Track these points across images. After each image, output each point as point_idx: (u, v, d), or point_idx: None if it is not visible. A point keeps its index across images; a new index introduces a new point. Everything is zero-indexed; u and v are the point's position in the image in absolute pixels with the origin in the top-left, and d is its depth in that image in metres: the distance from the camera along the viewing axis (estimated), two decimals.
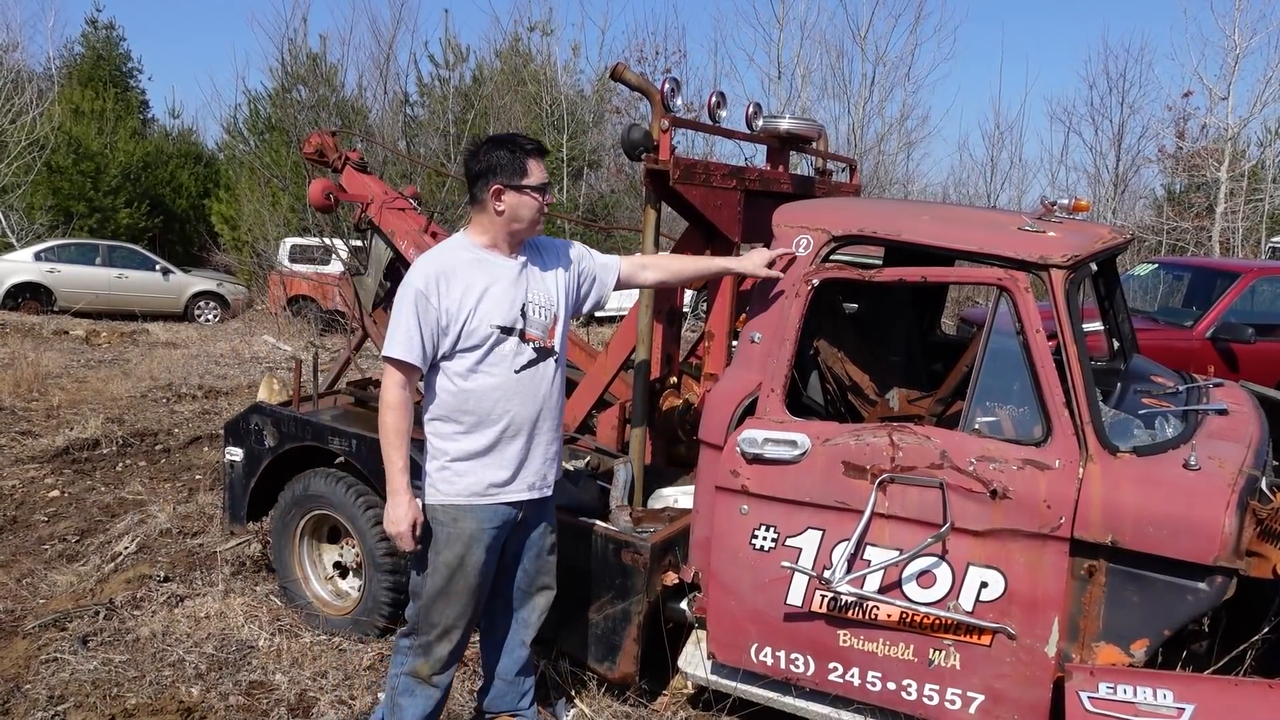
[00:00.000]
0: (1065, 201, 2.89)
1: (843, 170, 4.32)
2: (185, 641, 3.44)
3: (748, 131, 3.38)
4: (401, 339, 2.39)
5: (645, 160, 2.83)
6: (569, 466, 3.62)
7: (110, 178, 20.48)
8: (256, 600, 3.78)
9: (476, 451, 2.47)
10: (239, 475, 3.87)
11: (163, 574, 4.04)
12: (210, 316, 15.44)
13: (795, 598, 2.58)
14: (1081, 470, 2.29)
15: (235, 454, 3.87)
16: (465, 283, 2.41)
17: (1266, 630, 2.29)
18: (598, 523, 2.98)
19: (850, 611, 2.51)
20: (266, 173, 16.02)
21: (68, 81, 23.24)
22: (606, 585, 2.94)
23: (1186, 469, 2.26)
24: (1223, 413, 2.71)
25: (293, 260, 14.53)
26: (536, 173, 2.45)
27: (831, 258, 2.71)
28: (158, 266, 15.39)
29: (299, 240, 14.82)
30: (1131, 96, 18.08)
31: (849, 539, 2.47)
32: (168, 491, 5.39)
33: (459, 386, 2.44)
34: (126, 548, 4.35)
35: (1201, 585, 2.17)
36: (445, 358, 2.44)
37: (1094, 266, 2.61)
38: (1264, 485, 2.27)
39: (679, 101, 2.84)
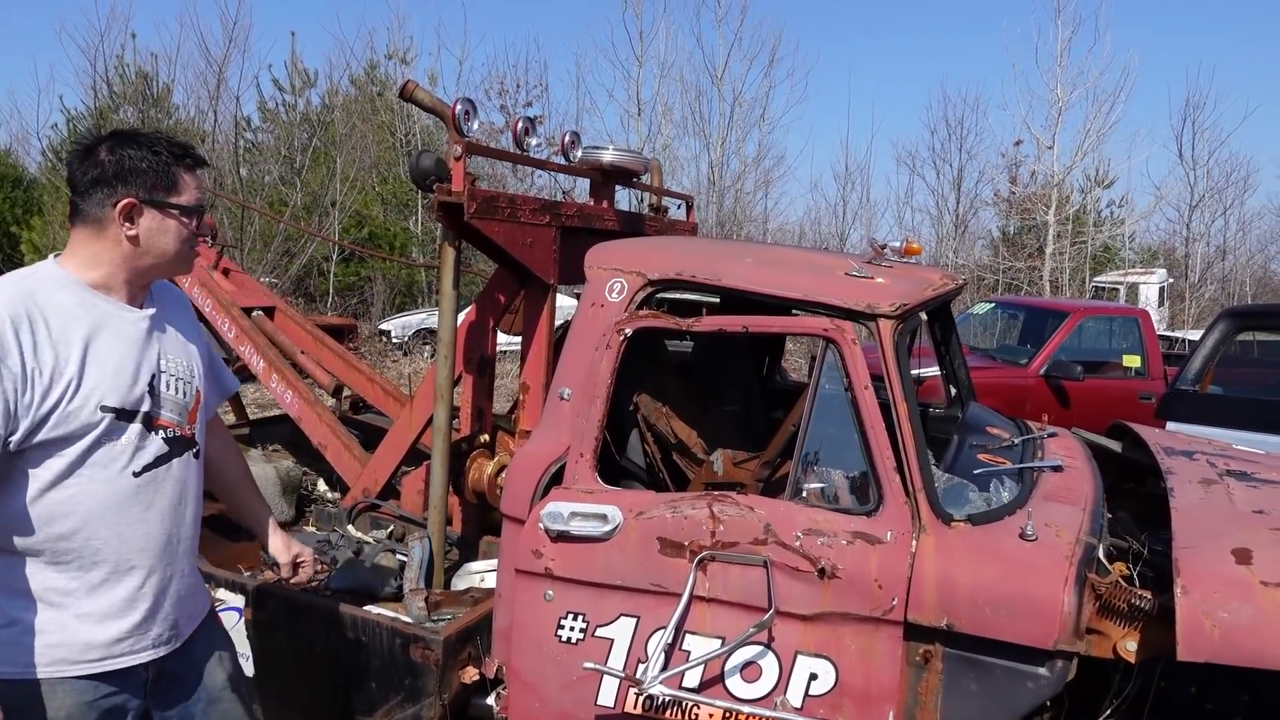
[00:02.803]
0: (896, 244, 2.71)
1: (679, 207, 4.09)
2: None
3: (564, 162, 3.07)
4: None
5: (437, 191, 2.47)
6: (365, 537, 3.17)
7: None
8: None
9: (62, 594, 1.65)
10: None
11: None
12: None
13: (606, 698, 2.23)
14: (914, 544, 2.05)
15: None
16: (61, 337, 1.61)
17: (1108, 712, 2.10)
18: (382, 611, 2.55)
19: (668, 712, 2.17)
20: None
21: None
22: (395, 686, 2.50)
23: (1023, 539, 2.06)
24: (1058, 469, 2.56)
25: None
26: (191, 188, 1.74)
27: (653, 302, 2.42)
28: None
29: None
30: (969, 143, 19.22)
31: (666, 627, 2.14)
32: None
33: (42, 498, 1.62)
34: None
35: (1042, 670, 1.96)
36: (16, 452, 1.59)
37: (924, 316, 2.42)
38: (1101, 554, 2.10)
39: (474, 125, 2.49)
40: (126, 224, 1.68)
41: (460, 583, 2.83)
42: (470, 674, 2.49)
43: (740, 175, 19.56)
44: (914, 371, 3.65)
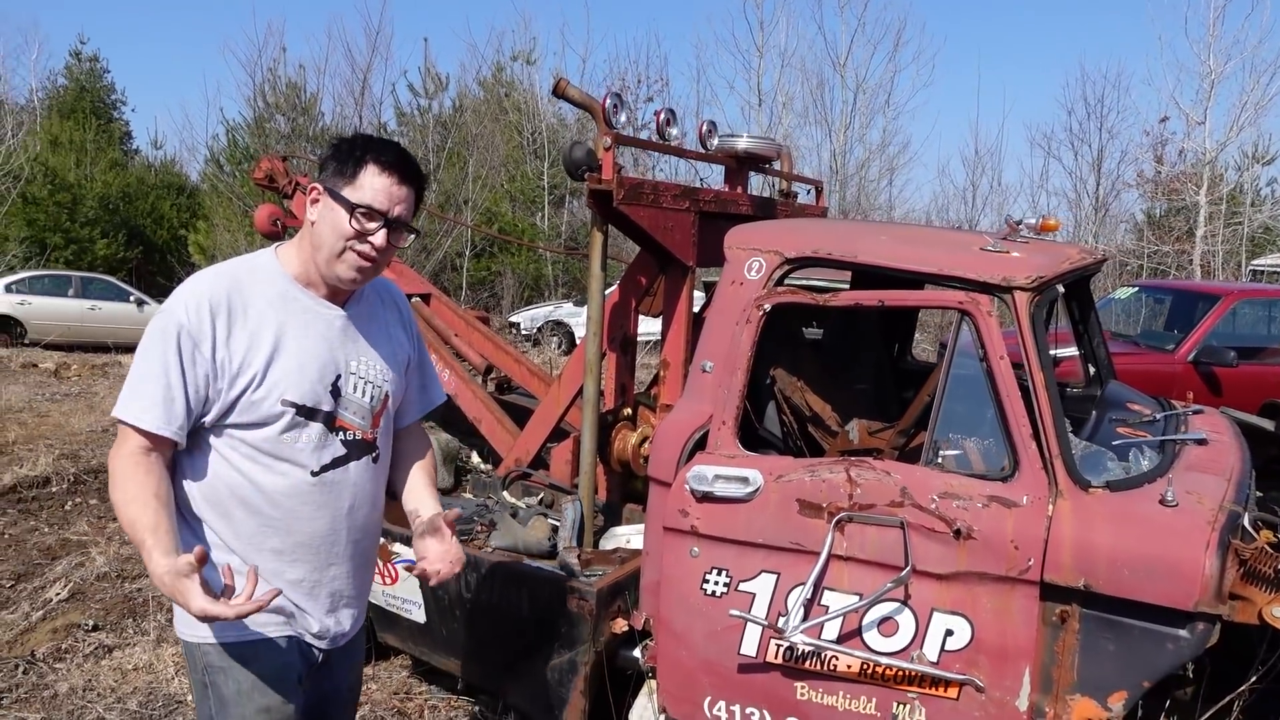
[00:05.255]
0: (1033, 221, 2.75)
1: (809, 192, 4.18)
2: (108, 696, 3.21)
3: (702, 150, 3.23)
4: (146, 395, 1.59)
5: (588, 180, 2.68)
6: (518, 503, 3.43)
7: (87, 208, 20.31)
8: None
9: (244, 561, 1.68)
10: None
11: (92, 622, 3.81)
12: None
13: (749, 647, 2.39)
14: (1051, 507, 2.12)
15: None
16: (256, 328, 1.64)
17: (1253, 679, 2.10)
18: (542, 565, 2.79)
19: (807, 662, 2.32)
20: (243, 203, 15.87)
21: (49, 113, 23.14)
22: (552, 633, 2.74)
23: (1163, 505, 2.09)
24: (1202, 442, 2.54)
25: None
26: (372, 189, 1.64)
27: (787, 281, 2.55)
28: (132, 298, 15.16)
29: None
30: (1110, 122, 18.23)
31: (805, 583, 2.29)
32: (114, 532, 5.15)
33: (226, 474, 1.68)
34: (58, 594, 4.12)
35: (1182, 633, 1.99)
36: (212, 429, 1.66)
37: (1061, 288, 2.46)
38: (1246, 522, 2.10)
39: (623, 118, 2.69)
40: (310, 209, 1.69)
41: (608, 544, 3.05)
42: (620, 625, 2.71)
43: (864, 163, 19.26)
44: (1052, 353, 3.64)
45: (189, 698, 3.21)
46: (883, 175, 19.88)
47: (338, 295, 1.75)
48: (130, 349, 14.14)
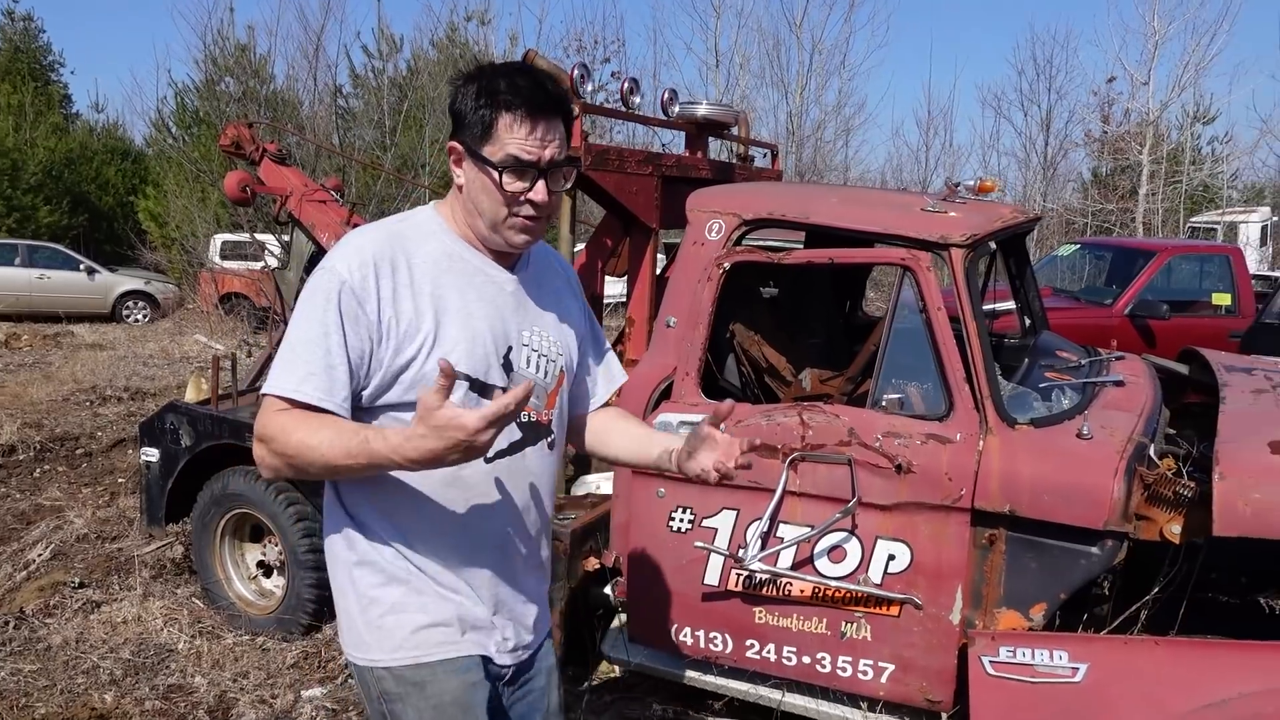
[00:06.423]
0: (971, 182, 2.96)
1: (764, 155, 4.36)
2: (100, 648, 3.35)
3: (664, 117, 3.39)
4: (304, 363, 1.38)
5: None
6: None
7: (29, 175, 19.72)
8: (177, 603, 3.69)
9: (412, 572, 1.50)
10: (155, 476, 3.78)
11: (78, 580, 3.93)
12: (139, 316, 14.97)
13: (712, 577, 2.61)
14: (981, 443, 2.36)
15: (151, 455, 3.77)
16: (422, 288, 1.45)
17: (1156, 591, 2.38)
18: None
19: (765, 589, 2.55)
20: (194, 168, 15.58)
21: None
22: None
23: (1079, 438, 2.34)
24: (1119, 384, 2.80)
25: (224, 257, 14.21)
26: (514, 140, 1.40)
27: (745, 241, 2.74)
28: (82, 266, 14.88)
29: (230, 237, 14.47)
30: (1058, 82, 18.60)
31: (762, 517, 2.51)
32: (88, 496, 5.23)
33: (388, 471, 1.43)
34: (40, 555, 4.22)
35: (1094, 549, 2.26)
36: (367, 410, 1.45)
37: (993, 245, 2.68)
38: (1152, 452, 2.36)
39: (589, 87, 2.84)
40: (456, 169, 1.49)
41: (579, 490, 3.25)
42: (592, 563, 2.92)
43: (820, 124, 19.44)
44: (991, 306, 3.89)
45: (180, 646, 3.37)
46: (839, 136, 20.11)
47: (505, 258, 1.54)
48: (82, 319, 14.00)
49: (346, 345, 1.39)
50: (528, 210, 1.45)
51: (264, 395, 1.40)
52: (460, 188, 1.48)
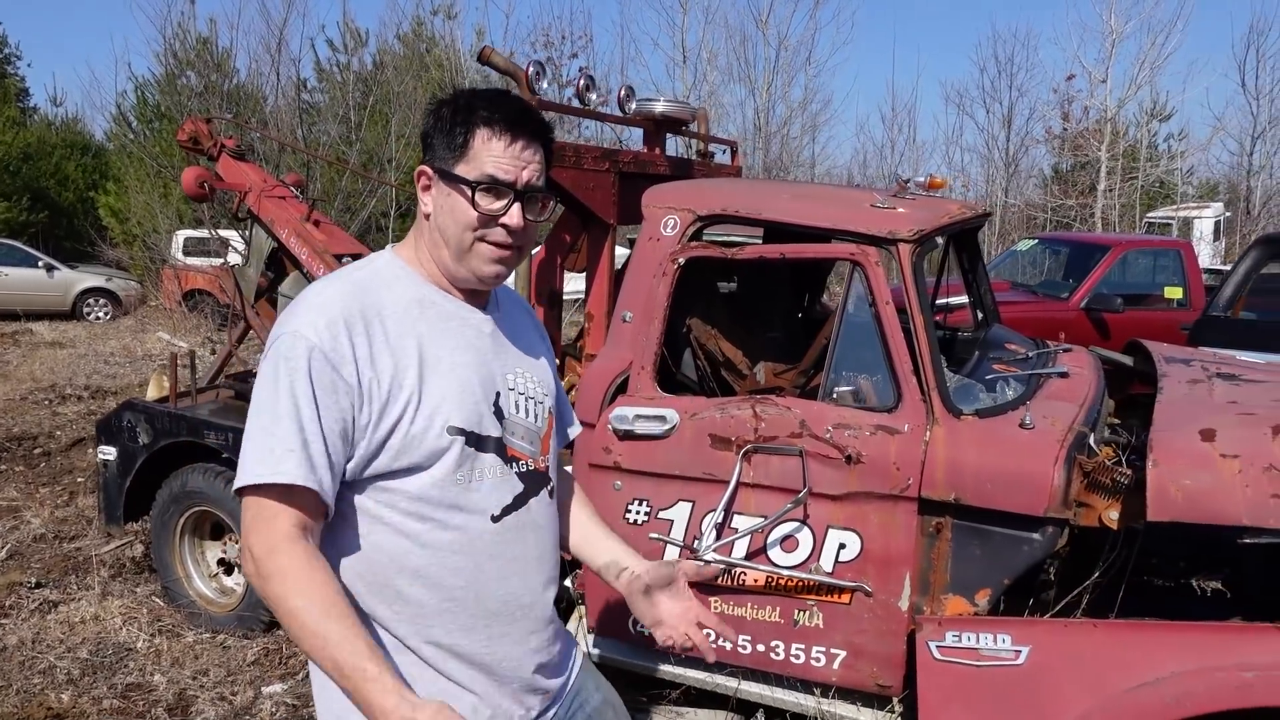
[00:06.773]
0: (921, 179, 3.03)
1: (724, 152, 4.41)
2: (57, 648, 3.32)
3: (621, 114, 3.42)
4: (282, 438, 1.22)
5: None
6: None
7: None
8: (136, 602, 3.67)
9: (423, 655, 1.36)
10: (113, 475, 3.75)
11: (35, 580, 3.89)
12: (101, 314, 14.74)
13: None
14: (928, 433, 2.42)
15: (108, 453, 3.74)
16: (399, 340, 1.32)
17: (1097, 575, 2.46)
18: None
19: (720, 579, 2.59)
20: (156, 163, 15.35)
21: None
22: None
23: (1022, 428, 2.41)
24: (1064, 375, 2.88)
25: (187, 254, 14.03)
26: (490, 156, 1.31)
27: (702, 237, 2.78)
28: (40, 263, 14.61)
29: (192, 233, 14.28)
30: (1020, 80, 18.89)
31: (716, 509, 2.55)
32: (45, 496, 5.17)
33: (383, 547, 1.33)
34: None
35: (1035, 536, 2.32)
36: (350, 483, 1.31)
37: (940, 241, 2.74)
38: (1092, 440, 2.43)
39: (544, 84, 2.86)
40: (424, 196, 1.37)
41: None
42: None
43: (787, 120, 19.55)
44: (945, 300, 3.97)
45: (139, 644, 3.36)
46: (805, 132, 20.25)
47: (477, 298, 1.43)
48: (42, 316, 13.74)
49: (321, 420, 1.24)
50: (499, 235, 1.33)
51: (239, 494, 1.25)
52: (427, 216, 1.37)
